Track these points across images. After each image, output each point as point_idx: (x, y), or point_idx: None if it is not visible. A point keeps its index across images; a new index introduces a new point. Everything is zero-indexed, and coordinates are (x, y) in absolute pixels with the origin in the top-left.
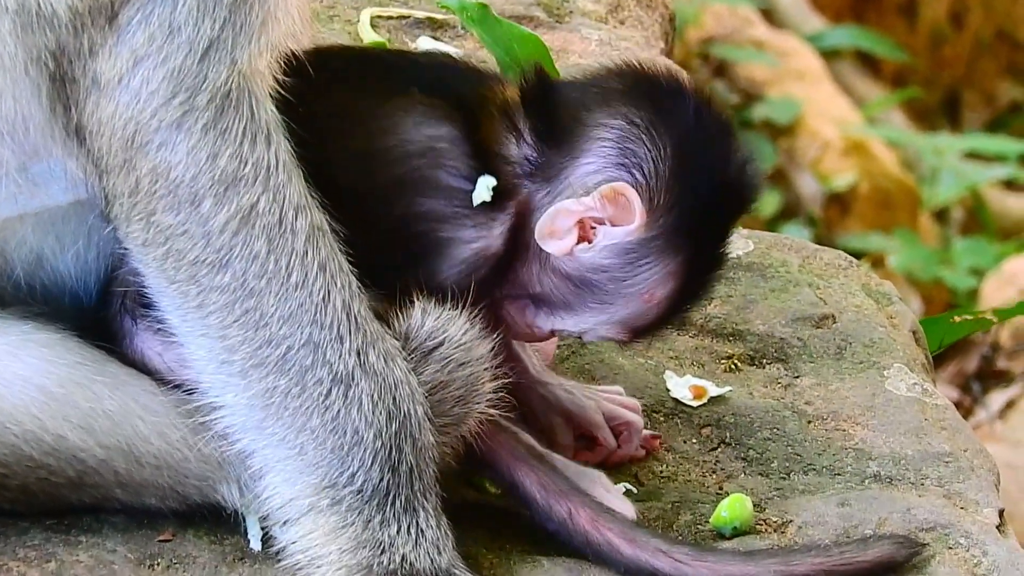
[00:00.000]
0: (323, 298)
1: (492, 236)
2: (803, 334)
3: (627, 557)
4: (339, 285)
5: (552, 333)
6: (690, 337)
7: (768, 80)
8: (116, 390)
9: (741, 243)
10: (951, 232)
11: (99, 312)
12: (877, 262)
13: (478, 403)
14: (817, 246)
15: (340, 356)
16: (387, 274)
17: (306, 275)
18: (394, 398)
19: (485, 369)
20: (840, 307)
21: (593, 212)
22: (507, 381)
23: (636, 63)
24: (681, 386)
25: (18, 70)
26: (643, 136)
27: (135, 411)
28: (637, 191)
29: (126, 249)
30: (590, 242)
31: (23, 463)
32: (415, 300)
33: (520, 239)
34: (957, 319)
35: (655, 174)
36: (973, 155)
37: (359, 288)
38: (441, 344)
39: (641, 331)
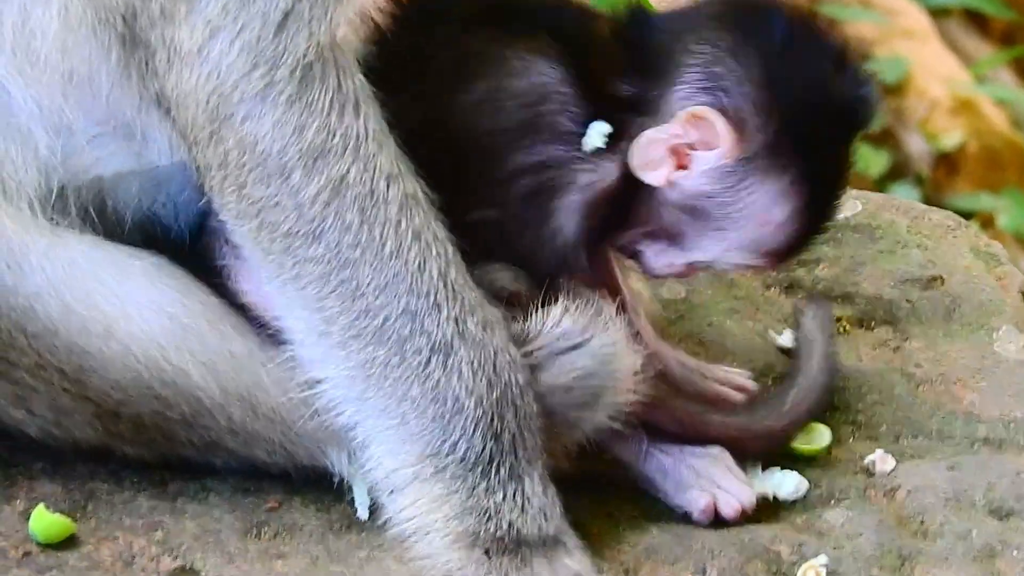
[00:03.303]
0: (419, 267)
1: (607, 175)
2: (912, 296)
3: None
4: (435, 253)
5: (688, 267)
6: (798, 299)
7: (876, 38)
8: (244, 336)
9: (849, 204)
10: None
11: (197, 245)
12: (986, 222)
13: (600, 413)
14: (926, 207)
15: (438, 324)
16: (506, 229)
17: (400, 244)
18: (494, 366)
19: (618, 384)
20: (949, 268)
21: (678, 138)
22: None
23: None
24: (789, 340)
25: (84, 30)
26: (727, 58)
27: (260, 359)
28: (722, 113)
29: (223, 221)
30: (687, 168)
31: (141, 390)
32: (559, 297)
33: (633, 176)
34: None
35: (741, 94)
36: None
37: (456, 256)
38: (575, 348)
39: (775, 255)
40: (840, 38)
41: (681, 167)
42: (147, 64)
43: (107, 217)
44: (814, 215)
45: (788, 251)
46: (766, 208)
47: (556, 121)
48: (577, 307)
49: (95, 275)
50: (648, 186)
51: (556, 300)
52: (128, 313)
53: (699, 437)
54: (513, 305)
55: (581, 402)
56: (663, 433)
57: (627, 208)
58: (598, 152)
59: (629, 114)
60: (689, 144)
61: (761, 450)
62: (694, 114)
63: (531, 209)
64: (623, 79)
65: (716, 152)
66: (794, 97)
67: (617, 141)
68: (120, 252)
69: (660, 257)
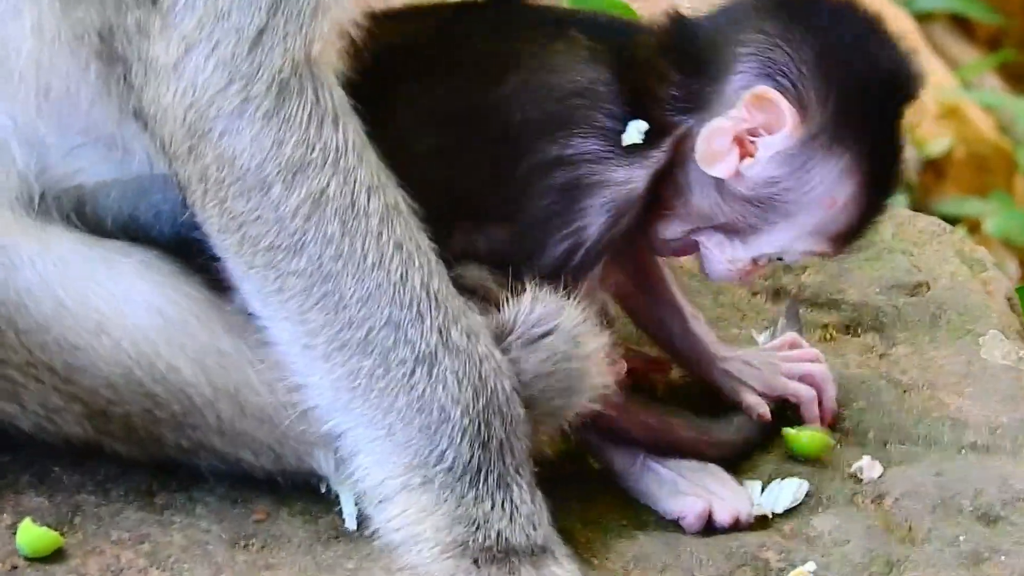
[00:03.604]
0: (401, 277)
1: (640, 178)
2: (897, 302)
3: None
4: (417, 264)
5: (754, 263)
6: (784, 306)
7: None
8: (233, 333)
9: None
10: None
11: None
12: (974, 227)
13: (581, 397)
14: (911, 212)
15: (422, 335)
16: (525, 225)
17: (382, 255)
18: (480, 374)
19: (594, 364)
20: (934, 274)
21: (744, 124)
22: (615, 381)
23: None
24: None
25: (60, 46)
26: (779, 42)
27: (248, 357)
28: (783, 94)
29: (206, 235)
30: (753, 156)
31: (132, 388)
32: (527, 286)
33: (684, 175)
34: None
35: (798, 74)
36: None
37: (439, 265)
38: (549, 333)
39: (841, 238)
40: (874, 13)
41: (746, 155)
42: (125, 79)
43: (87, 221)
44: (876, 192)
45: (853, 232)
46: (831, 188)
47: (591, 116)
48: (544, 293)
49: (87, 272)
50: (707, 182)
51: (522, 290)
52: (120, 309)
53: (665, 441)
54: (487, 301)
55: (562, 387)
56: (631, 439)
57: (656, 215)
58: (635, 149)
59: (676, 113)
60: (752, 130)
61: (722, 456)
62: (757, 95)
63: (559, 204)
64: (670, 81)
65: (781, 134)
66: (848, 73)
67: (658, 140)
68: (109, 249)
69: (723, 255)
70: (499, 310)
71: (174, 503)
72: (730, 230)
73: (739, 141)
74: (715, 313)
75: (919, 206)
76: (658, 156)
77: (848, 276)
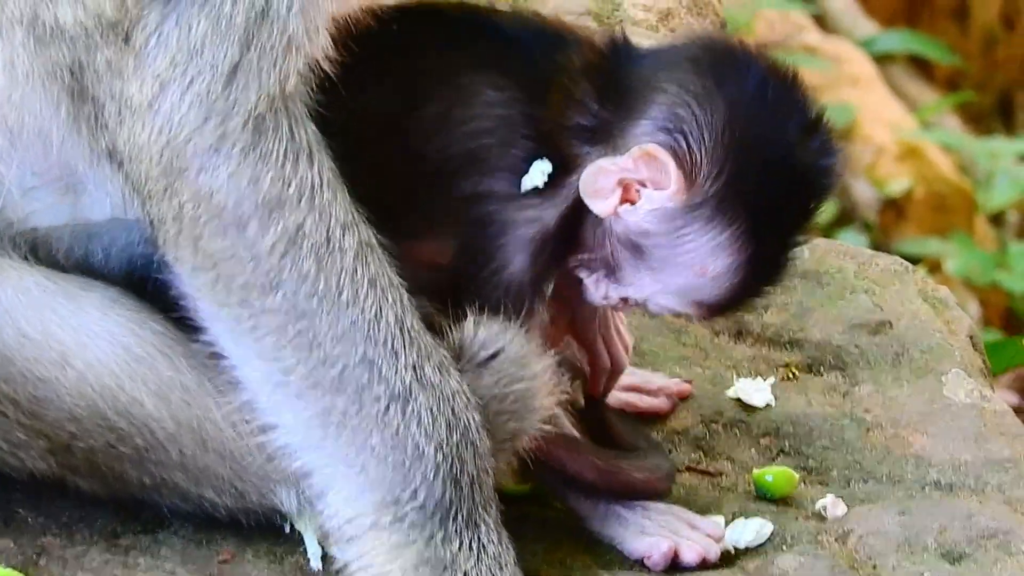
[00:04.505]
0: (375, 314)
1: (553, 211)
2: (860, 341)
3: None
4: (390, 300)
5: (622, 302)
6: (747, 346)
7: (821, 86)
8: (195, 369)
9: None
10: (1007, 236)
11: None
12: (934, 267)
13: (532, 418)
14: (873, 252)
15: (396, 372)
16: (456, 259)
17: (357, 292)
18: (452, 409)
19: (541, 385)
20: (897, 313)
21: (628, 173)
22: (566, 399)
23: (713, 35)
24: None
25: (32, 84)
26: (692, 103)
27: (211, 392)
28: (676, 155)
29: (174, 274)
30: (633, 204)
31: (95, 421)
32: (467, 312)
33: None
34: None
35: (699, 141)
36: None
37: (410, 301)
38: (496, 356)
39: (707, 308)
40: (817, 103)
41: (628, 201)
42: (96, 118)
43: (41, 260)
44: (751, 276)
45: (719, 306)
46: (703, 258)
47: (501, 153)
48: (485, 318)
49: (49, 304)
50: (595, 214)
51: (463, 317)
52: (83, 342)
53: (618, 482)
54: (432, 329)
55: (514, 408)
56: (585, 483)
57: (576, 239)
58: (539, 190)
59: (585, 145)
60: (639, 180)
61: (670, 491)
62: (646, 151)
63: (479, 239)
64: (586, 109)
65: (664, 193)
66: (751, 153)
67: (568, 174)
68: (72, 283)
69: (598, 287)
70: (443, 338)
71: (139, 544)
72: (604, 266)
73: (625, 186)
74: (679, 352)
75: (879, 246)
76: (566, 193)
77: (810, 315)
